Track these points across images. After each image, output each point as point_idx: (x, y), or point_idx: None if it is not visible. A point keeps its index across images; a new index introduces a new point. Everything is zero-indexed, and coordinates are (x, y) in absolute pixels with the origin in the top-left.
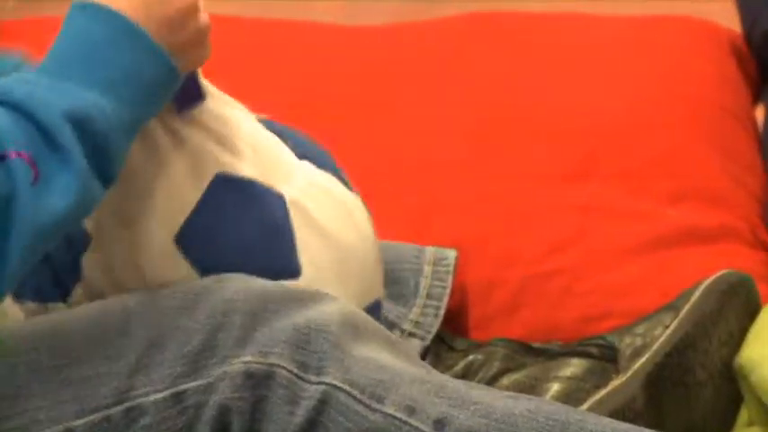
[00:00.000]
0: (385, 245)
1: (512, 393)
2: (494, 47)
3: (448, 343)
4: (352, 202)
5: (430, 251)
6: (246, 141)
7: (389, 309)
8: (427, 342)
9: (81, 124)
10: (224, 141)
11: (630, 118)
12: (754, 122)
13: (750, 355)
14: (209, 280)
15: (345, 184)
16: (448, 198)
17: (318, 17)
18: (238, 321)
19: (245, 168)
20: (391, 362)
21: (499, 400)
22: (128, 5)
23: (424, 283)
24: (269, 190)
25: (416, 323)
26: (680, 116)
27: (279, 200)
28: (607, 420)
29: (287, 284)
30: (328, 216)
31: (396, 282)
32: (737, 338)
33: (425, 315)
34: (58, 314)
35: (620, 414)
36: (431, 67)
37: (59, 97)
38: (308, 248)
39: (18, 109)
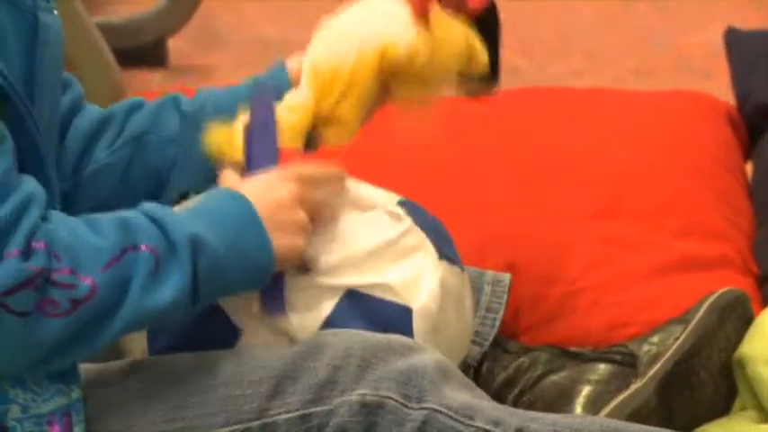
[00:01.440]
0: None
1: (569, 414)
2: (543, 115)
3: (502, 346)
4: (467, 293)
5: (489, 274)
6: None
7: None
8: (485, 348)
9: (197, 250)
10: None
11: (647, 170)
12: (745, 175)
13: (746, 352)
14: (329, 334)
15: (459, 260)
16: (503, 231)
17: None
18: (354, 363)
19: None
20: (473, 398)
21: (560, 417)
22: (247, 191)
23: (484, 299)
24: (396, 304)
25: (477, 332)
26: (687, 169)
27: (406, 313)
28: (637, 427)
29: (393, 338)
30: (448, 318)
31: None
32: (734, 344)
33: (484, 325)
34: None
35: (638, 413)
36: (497, 130)
37: (189, 225)
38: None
39: (156, 221)
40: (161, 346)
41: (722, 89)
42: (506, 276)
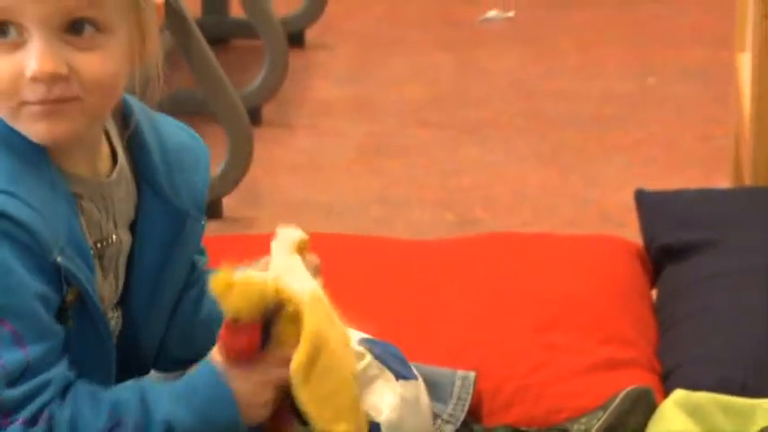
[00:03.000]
0: (430, 368)
1: None
2: (498, 253)
3: (470, 426)
4: (423, 399)
5: (459, 373)
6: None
7: (434, 405)
8: (457, 426)
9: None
10: None
11: (578, 294)
12: (651, 299)
13: None
14: None
15: (413, 374)
16: (470, 341)
17: None
18: None
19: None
20: None
21: None
22: (239, 387)
23: (455, 391)
24: (369, 421)
25: (450, 415)
26: (608, 294)
27: (376, 426)
28: None
29: None
30: (408, 420)
31: (437, 386)
32: (642, 426)
33: (456, 409)
34: None
35: None
36: (462, 265)
37: (168, 411)
38: None
39: (143, 401)
40: None
41: (633, 235)
42: (472, 374)
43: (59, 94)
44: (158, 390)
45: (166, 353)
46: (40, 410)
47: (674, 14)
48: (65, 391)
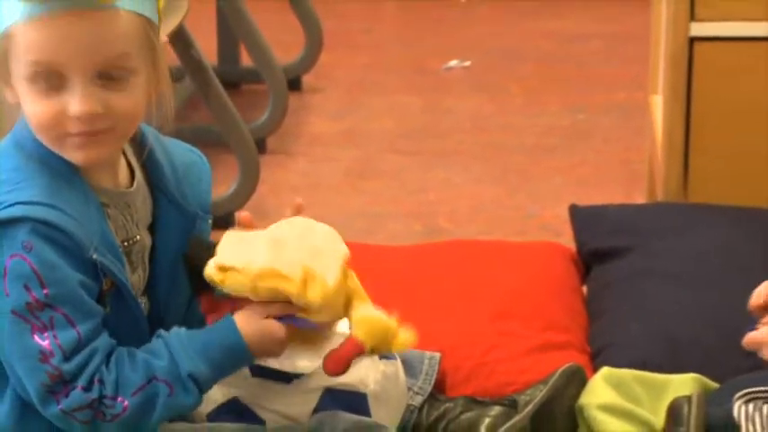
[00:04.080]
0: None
1: None
2: (458, 256)
3: (435, 396)
4: (400, 375)
5: (427, 354)
6: None
7: (407, 379)
8: (425, 396)
9: (195, 381)
10: None
11: (524, 289)
12: (582, 294)
13: (582, 402)
14: (328, 415)
15: (393, 354)
16: (436, 329)
17: None
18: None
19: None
20: None
21: None
22: (248, 331)
23: (424, 368)
24: (357, 393)
25: (420, 387)
26: (547, 290)
27: (363, 397)
28: None
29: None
30: (389, 392)
31: (409, 365)
32: (576, 397)
33: (424, 383)
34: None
35: None
36: (429, 266)
37: (193, 364)
38: (376, 413)
39: (171, 356)
40: (212, 416)
41: (568, 241)
42: (437, 354)
43: (97, 127)
44: (183, 346)
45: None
46: (92, 376)
47: (600, 64)
48: (109, 356)
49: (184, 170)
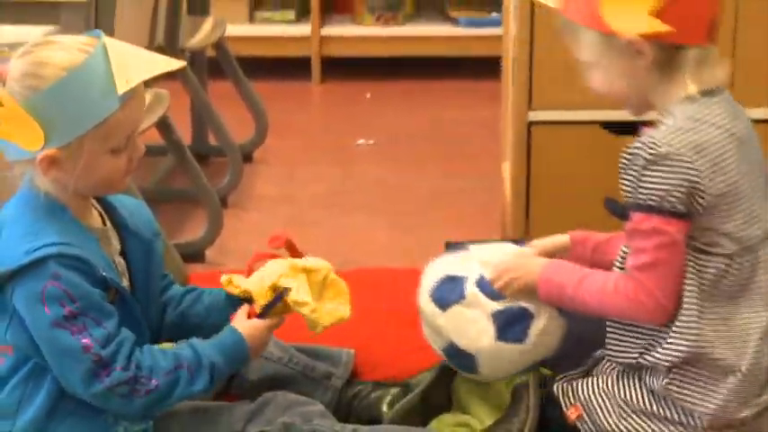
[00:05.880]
0: (329, 347)
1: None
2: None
3: (351, 381)
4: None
5: (345, 349)
6: None
7: (330, 368)
8: (344, 381)
9: (214, 370)
10: None
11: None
12: None
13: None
14: (272, 394)
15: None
16: (352, 332)
17: None
18: (283, 405)
19: None
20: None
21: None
22: (248, 334)
23: (344, 360)
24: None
25: (341, 374)
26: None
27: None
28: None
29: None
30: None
31: (333, 358)
32: (452, 381)
33: (344, 371)
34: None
35: (409, 410)
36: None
37: (212, 355)
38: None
39: (196, 351)
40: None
41: None
42: (352, 350)
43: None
44: (203, 346)
45: (163, 331)
46: (128, 358)
47: (469, 141)
48: (136, 344)
49: (131, 209)
